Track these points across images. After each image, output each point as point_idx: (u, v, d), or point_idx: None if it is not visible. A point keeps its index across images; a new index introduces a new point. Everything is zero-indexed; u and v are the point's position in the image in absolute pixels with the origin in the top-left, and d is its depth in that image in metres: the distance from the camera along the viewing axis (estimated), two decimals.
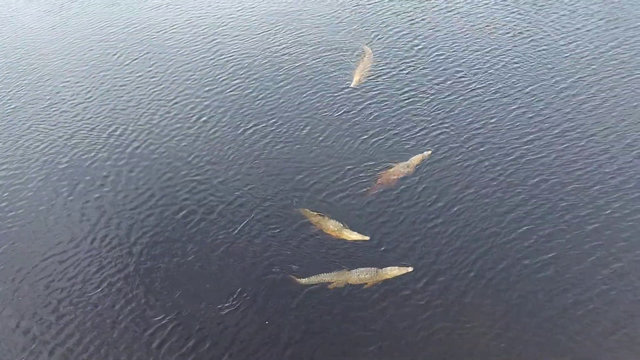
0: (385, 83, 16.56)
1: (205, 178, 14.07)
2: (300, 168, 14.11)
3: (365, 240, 12.05)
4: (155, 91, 17.36)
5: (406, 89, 16.23)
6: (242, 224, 12.69)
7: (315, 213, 12.77)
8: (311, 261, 11.82)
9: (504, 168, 13.36)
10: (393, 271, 11.44)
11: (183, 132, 15.62)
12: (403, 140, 14.59)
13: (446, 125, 14.88)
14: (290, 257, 11.92)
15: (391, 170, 13.80)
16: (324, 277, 11.52)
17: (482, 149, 13.98)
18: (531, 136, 14.11)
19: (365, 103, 15.94)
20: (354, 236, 12.21)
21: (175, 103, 16.75)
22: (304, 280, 11.54)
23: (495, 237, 11.74)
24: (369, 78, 16.77)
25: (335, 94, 16.40)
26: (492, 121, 14.79)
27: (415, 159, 13.95)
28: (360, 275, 11.46)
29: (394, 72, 16.94)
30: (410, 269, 11.43)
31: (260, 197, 13.39)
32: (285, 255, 11.97)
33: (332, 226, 12.42)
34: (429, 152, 14.16)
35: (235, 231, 12.54)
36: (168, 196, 13.63)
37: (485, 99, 15.53)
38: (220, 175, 14.11)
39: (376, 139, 14.72)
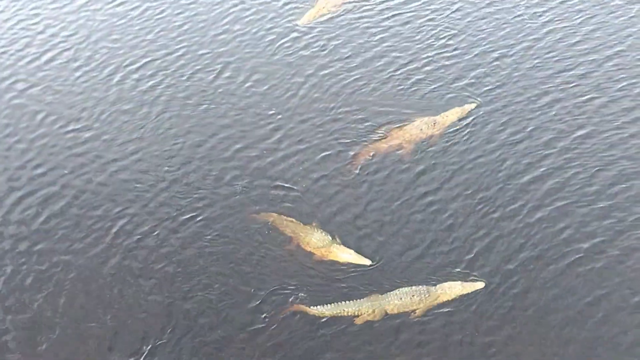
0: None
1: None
2: (255, 147, 11.60)
3: (365, 265, 8.91)
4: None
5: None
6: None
7: (288, 219, 9.84)
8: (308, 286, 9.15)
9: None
10: (454, 289, 8.51)
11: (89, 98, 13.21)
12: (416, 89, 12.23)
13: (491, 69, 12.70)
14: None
15: (406, 129, 11.02)
16: (348, 307, 8.36)
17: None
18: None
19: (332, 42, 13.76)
20: (349, 257, 9.00)
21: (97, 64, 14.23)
22: (317, 310, 8.45)
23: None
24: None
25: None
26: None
27: (449, 115, 11.13)
28: (404, 298, 8.30)
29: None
30: (480, 285, 8.68)
31: (198, 197, 10.75)
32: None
33: (316, 240, 9.16)
34: (473, 105, 11.39)
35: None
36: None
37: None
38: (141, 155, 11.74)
39: (365, 83, 12.50)
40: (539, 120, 11.87)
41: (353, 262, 8.97)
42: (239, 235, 10.10)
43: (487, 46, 13.62)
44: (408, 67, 13.17)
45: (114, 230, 10.45)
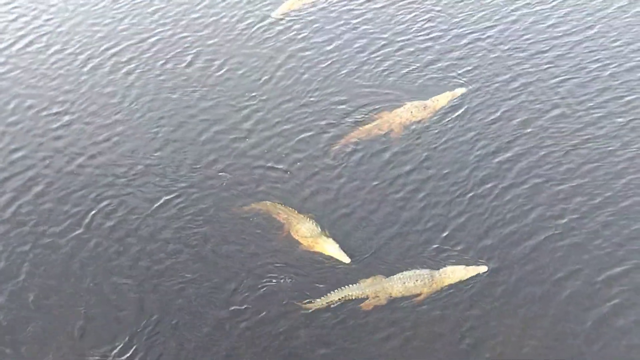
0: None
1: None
2: (236, 129, 11.48)
3: (344, 262, 8.72)
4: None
5: None
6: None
7: (282, 207, 9.70)
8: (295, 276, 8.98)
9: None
10: (457, 272, 8.44)
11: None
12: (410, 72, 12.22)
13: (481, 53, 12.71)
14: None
15: (397, 112, 11.09)
16: (352, 291, 8.28)
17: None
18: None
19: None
20: (332, 251, 8.83)
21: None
22: (316, 303, 8.30)
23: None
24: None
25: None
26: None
27: (439, 99, 11.23)
28: (408, 283, 8.25)
29: None
30: (483, 268, 8.59)
31: (185, 182, 10.57)
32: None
33: (305, 230, 9.06)
34: (462, 89, 11.54)
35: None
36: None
37: None
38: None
39: (355, 67, 12.48)
40: (518, 100, 11.93)
41: (335, 257, 8.92)
42: (220, 222, 9.92)
43: (471, 30, 13.66)
44: (395, 53, 13.14)
45: (90, 216, 10.26)
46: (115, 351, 8.44)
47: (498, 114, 11.62)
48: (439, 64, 12.78)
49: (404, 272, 8.48)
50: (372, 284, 8.39)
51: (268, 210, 9.72)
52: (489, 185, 10.37)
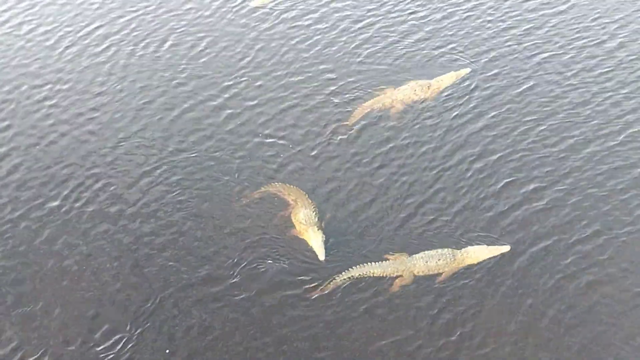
0: None
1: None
2: (244, 107, 11.11)
3: (319, 258, 8.69)
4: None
5: None
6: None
7: (294, 189, 9.67)
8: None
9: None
10: (480, 252, 8.51)
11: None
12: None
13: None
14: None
15: (401, 89, 11.17)
16: (375, 269, 8.39)
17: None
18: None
19: None
20: (313, 243, 8.80)
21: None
22: (343, 274, 8.41)
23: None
24: None
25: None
26: None
27: (444, 79, 11.33)
28: (430, 262, 8.34)
29: None
30: (506, 248, 8.60)
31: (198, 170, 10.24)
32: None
33: (302, 216, 9.04)
34: (467, 70, 11.55)
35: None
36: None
37: None
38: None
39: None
40: (527, 80, 11.68)
41: (314, 249, 8.83)
42: (220, 203, 9.74)
43: (478, 10, 13.30)
44: (398, 32, 12.83)
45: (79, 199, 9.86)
46: (101, 336, 8.17)
47: (505, 93, 11.39)
48: (444, 44, 12.52)
49: (427, 251, 8.53)
50: (394, 263, 8.52)
51: (280, 190, 9.73)
52: (503, 167, 10.09)
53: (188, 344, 8.01)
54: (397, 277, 8.40)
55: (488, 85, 11.51)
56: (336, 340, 7.96)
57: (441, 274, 8.41)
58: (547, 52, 12.11)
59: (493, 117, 10.88)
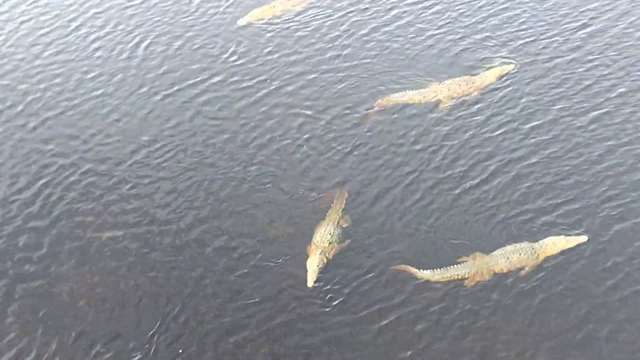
0: None
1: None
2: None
3: (306, 284, 8.45)
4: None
5: None
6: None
7: (339, 203, 9.42)
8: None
9: None
10: (558, 243, 8.47)
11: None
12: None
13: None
14: None
15: (445, 83, 11.19)
16: (457, 271, 8.37)
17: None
18: None
19: None
20: (309, 266, 8.58)
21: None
22: (426, 274, 8.39)
23: None
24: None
25: None
26: None
27: (488, 75, 11.30)
28: (512, 257, 8.33)
29: None
30: (584, 238, 8.55)
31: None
32: None
33: (318, 235, 8.91)
34: (511, 66, 11.49)
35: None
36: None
37: None
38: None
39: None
40: (571, 77, 11.45)
41: (307, 271, 8.64)
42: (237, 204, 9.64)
43: (525, 7, 13.11)
44: (444, 27, 12.79)
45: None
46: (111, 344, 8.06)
47: (552, 89, 11.22)
48: (488, 40, 12.41)
49: (505, 248, 8.57)
50: (474, 263, 8.47)
51: (332, 196, 9.68)
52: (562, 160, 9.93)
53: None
54: (478, 276, 8.36)
55: (532, 82, 11.32)
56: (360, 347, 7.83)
57: (523, 267, 8.41)
58: (595, 51, 11.81)
59: (540, 114, 10.68)
